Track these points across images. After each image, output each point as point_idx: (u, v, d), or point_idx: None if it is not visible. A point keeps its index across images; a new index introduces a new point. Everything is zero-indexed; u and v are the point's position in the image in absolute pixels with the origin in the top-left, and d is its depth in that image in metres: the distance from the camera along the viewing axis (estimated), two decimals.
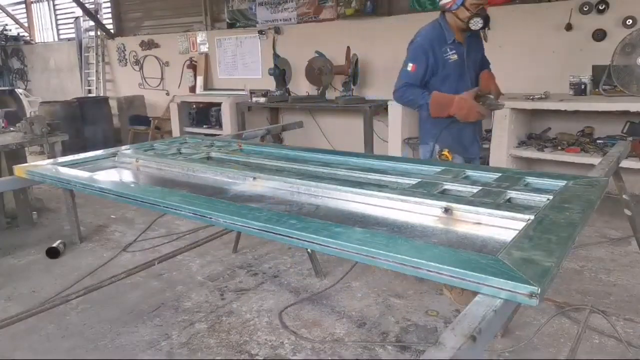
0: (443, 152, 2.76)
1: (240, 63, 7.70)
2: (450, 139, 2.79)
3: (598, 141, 4.57)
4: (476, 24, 2.62)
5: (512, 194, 1.61)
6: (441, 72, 2.73)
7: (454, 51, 2.72)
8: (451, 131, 2.75)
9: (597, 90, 4.65)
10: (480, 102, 2.63)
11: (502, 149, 4.71)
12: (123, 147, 2.73)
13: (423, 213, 1.56)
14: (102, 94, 9.36)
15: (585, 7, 4.78)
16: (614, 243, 3.68)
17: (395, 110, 5.30)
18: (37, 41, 11.50)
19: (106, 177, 2.21)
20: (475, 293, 1.03)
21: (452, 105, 2.61)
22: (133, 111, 8.55)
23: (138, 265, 3.06)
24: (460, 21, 2.66)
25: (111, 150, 2.68)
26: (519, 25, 5.19)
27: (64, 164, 2.36)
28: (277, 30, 7.06)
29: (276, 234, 1.36)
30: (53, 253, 3.78)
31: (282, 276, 3.35)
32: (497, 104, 2.67)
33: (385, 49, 6.18)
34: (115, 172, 2.43)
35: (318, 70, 6.16)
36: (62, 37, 10.98)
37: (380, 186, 1.79)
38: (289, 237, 1.34)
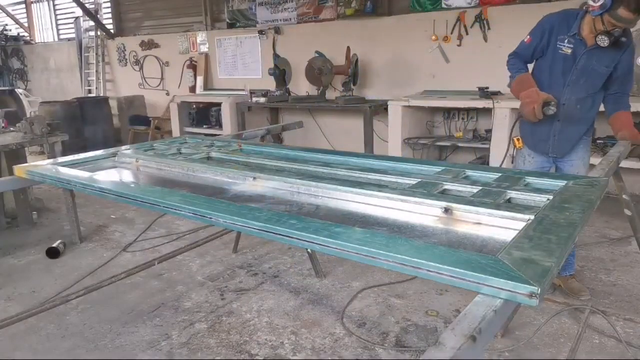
0: (514, 138, 2.84)
1: (240, 63, 7.71)
2: (526, 129, 2.82)
3: (598, 141, 4.56)
4: (602, 41, 2.45)
5: (512, 194, 1.61)
6: (546, 57, 2.66)
7: (570, 45, 2.58)
8: (529, 122, 2.70)
9: None
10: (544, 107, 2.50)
11: (502, 149, 4.71)
12: (123, 147, 2.73)
13: (423, 213, 1.56)
14: (102, 94, 9.36)
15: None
16: (614, 243, 3.68)
17: (395, 110, 5.30)
18: (37, 41, 11.50)
19: (106, 177, 2.20)
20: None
21: (526, 90, 2.55)
22: (133, 111, 8.55)
23: (138, 265, 3.06)
24: (595, 29, 2.50)
25: (111, 150, 2.68)
26: (519, 25, 5.17)
27: (64, 164, 2.36)
28: (277, 30, 7.06)
29: (276, 234, 1.36)
30: (53, 253, 3.78)
31: (282, 276, 3.35)
32: (550, 109, 2.50)
33: (385, 49, 6.19)
34: (115, 172, 2.42)
35: (318, 70, 6.17)
36: (62, 37, 10.98)
37: (380, 186, 1.79)
38: (289, 237, 1.34)
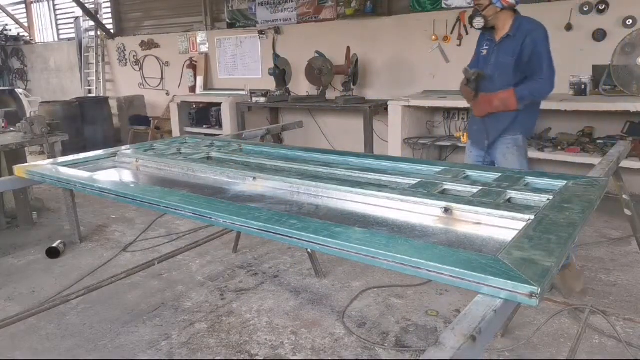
0: (460, 134, 3.21)
1: (240, 63, 7.70)
2: (470, 127, 3.20)
3: (598, 141, 4.57)
4: (477, 23, 2.80)
5: (512, 194, 1.62)
6: (477, 63, 2.99)
7: (486, 47, 2.91)
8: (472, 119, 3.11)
9: (597, 90, 4.65)
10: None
11: None
12: (123, 147, 2.73)
13: (423, 213, 1.56)
14: (102, 94, 9.36)
15: (585, 7, 4.78)
16: (614, 243, 3.68)
17: (395, 110, 5.30)
18: (37, 41, 11.50)
19: (106, 177, 2.21)
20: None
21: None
22: (133, 111, 8.55)
23: (138, 265, 3.06)
24: None
25: (111, 150, 2.68)
26: None
27: (64, 164, 2.36)
28: (277, 30, 7.06)
29: (276, 234, 1.36)
30: (53, 253, 3.77)
31: (282, 276, 3.35)
32: (467, 71, 2.84)
33: (385, 49, 6.19)
34: (115, 172, 2.43)
35: (318, 70, 6.16)
36: (62, 37, 10.98)
37: (380, 186, 1.79)
38: (289, 237, 1.34)
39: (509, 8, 2.80)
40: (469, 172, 1.91)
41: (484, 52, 2.92)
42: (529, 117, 2.93)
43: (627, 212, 2.40)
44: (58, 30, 11.06)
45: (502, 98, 2.80)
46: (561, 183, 1.69)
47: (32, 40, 11.54)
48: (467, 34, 5.54)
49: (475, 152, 3.08)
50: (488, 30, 2.89)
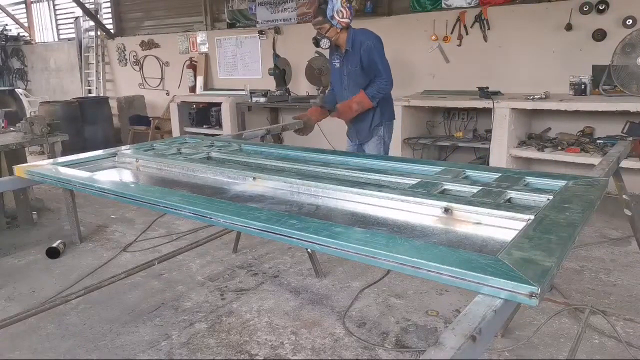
0: None
1: (240, 63, 7.70)
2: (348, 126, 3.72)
3: (598, 141, 4.57)
4: (324, 44, 3.30)
5: (512, 194, 1.61)
6: (335, 74, 3.53)
7: (338, 60, 3.42)
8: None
9: (597, 90, 4.65)
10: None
11: (502, 148, 4.71)
12: (123, 147, 2.73)
13: (423, 213, 1.56)
14: (102, 94, 9.36)
15: (585, 7, 4.78)
16: (614, 243, 3.68)
17: (395, 110, 5.29)
18: (37, 41, 11.50)
19: (106, 177, 2.21)
20: None
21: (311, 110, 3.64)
22: (133, 111, 8.55)
23: (138, 265, 3.06)
24: None
25: (111, 150, 2.68)
26: (519, 25, 5.19)
27: (63, 164, 2.36)
28: (277, 30, 7.06)
29: (276, 234, 1.36)
30: (53, 253, 3.77)
31: (282, 276, 3.35)
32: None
33: (385, 48, 6.17)
34: (115, 172, 2.43)
35: (318, 70, 6.16)
36: (62, 37, 10.98)
37: (380, 186, 1.79)
38: (289, 237, 1.34)
39: (345, 27, 3.27)
40: (469, 172, 1.91)
41: (337, 65, 3.42)
42: (386, 105, 3.47)
43: (627, 212, 2.40)
44: (58, 30, 11.05)
45: (358, 101, 3.30)
46: (561, 183, 1.69)
47: (32, 40, 11.54)
48: (467, 34, 5.54)
49: (352, 143, 3.70)
50: (334, 47, 3.40)
